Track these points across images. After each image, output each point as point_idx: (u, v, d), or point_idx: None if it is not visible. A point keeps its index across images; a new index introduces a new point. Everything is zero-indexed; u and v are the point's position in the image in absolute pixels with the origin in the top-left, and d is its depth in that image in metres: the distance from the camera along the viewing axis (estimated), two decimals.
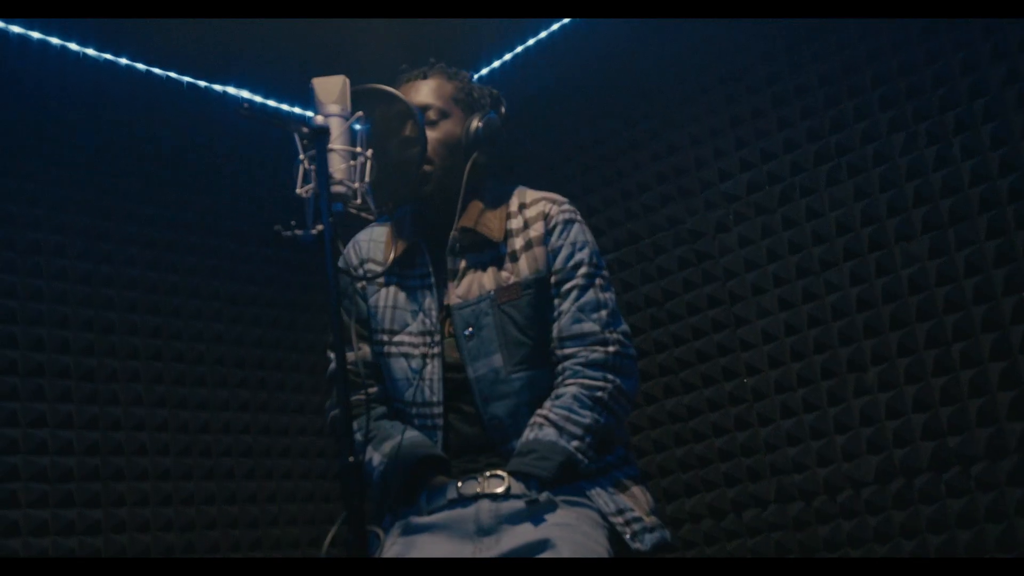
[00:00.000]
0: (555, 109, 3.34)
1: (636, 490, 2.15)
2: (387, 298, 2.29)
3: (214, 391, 3.16)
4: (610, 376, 2.16)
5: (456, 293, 2.22)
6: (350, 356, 2.26)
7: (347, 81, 1.94)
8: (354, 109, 1.94)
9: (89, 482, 2.78)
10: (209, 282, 3.27)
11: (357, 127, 1.93)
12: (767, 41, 2.86)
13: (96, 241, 3.02)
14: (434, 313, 2.22)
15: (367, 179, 1.91)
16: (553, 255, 2.23)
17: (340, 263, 2.33)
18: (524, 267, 2.21)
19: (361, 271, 2.34)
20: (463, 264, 2.24)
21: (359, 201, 1.90)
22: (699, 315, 2.88)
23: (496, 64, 3.58)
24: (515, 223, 2.27)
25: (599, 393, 2.14)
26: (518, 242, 2.24)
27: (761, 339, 2.74)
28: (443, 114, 2.26)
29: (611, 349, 2.18)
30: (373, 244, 2.36)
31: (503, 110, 2.33)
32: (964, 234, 2.40)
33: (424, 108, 2.23)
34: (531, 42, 3.47)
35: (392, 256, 2.27)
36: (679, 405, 2.90)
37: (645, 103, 3.13)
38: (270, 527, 3.14)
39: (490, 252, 2.24)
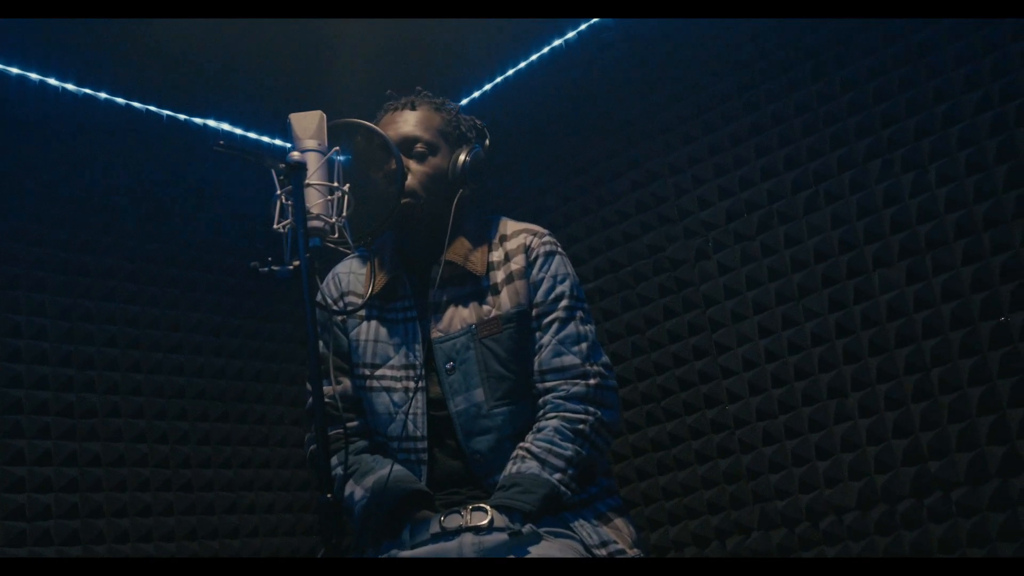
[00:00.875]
0: (535, 138, 3.35)
1: (619, 522, 2.15)
2: (368, 332, 2.28)
3: (195, 424, 3.14)
4: (591, 408, 2.16)
5: (438, 327, 2.21)
6: (328, 390, 2.25)
7: (324, 116, 1.95)
8: (331, 143, 1.95)
9: (68, 519, 2.75)
10: (190, 315, 3.26)
11: (335, 161, 1.93)
12: (744, 70, 2.88)
13: (75, 275, 3.01)
14: (417, 347, 2.21)
15: (344, 213, 1.92)
16: (534, 288, 2.23)
17: (319, 297, 2.33)
18: (505, 301, 2.21)
19: (341, 304, 2.33)
20: (444, 297, 2.23)
21: (336, 235, 1.91)
22: (680, 343, 2.89)
23: (476, 94, 3.60)
24: (496, 256, 2.27)
25: (580, 426, 2.14)
26: (499, 275, 2.24)
27: (742, 366, 2.75)
28: (431, 147, 2.25)
29: (592, 382, 2.18)
30: (353, 276, 2.35)
31: (487, 143, 2.34)
32: (941, 260, 2.42)
33: (412, 140, 2.23)
34: (510, 72, 3.49)
35: (373, 289, 2.26)
36: (661, 432, 2.90)
37: (624, 132, 3.15)
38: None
39: (471, 285, 2.24)
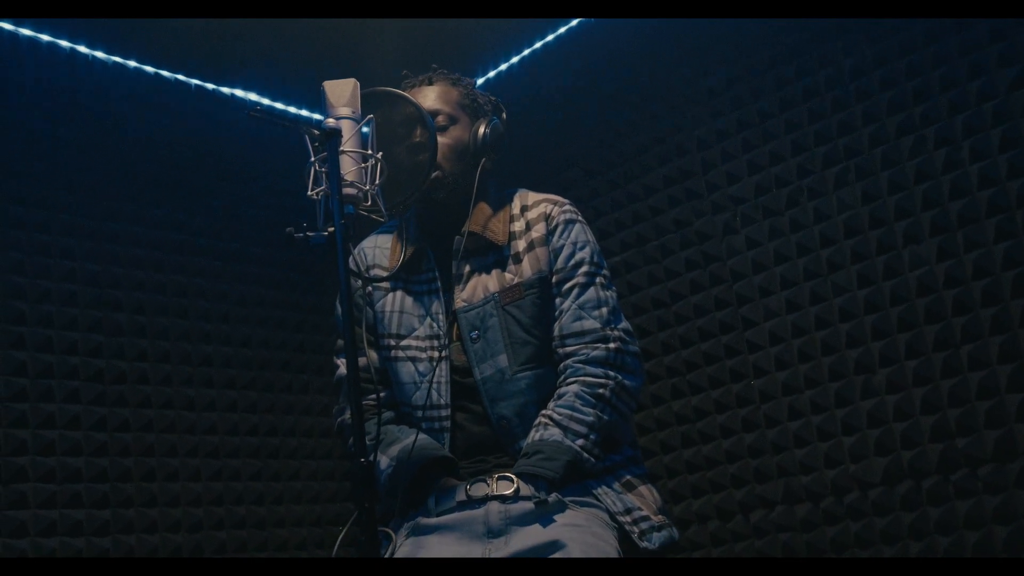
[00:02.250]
0: (562, 113, 3.34)
1: (643, 489, 2.16)
2: (393, 303, 2.31)
3: (222, 392, 3.16)
4: (611, 372, 2.17)
5: (461, 296, 2.25)
6: (362, 360, 2.29)
7: (357, 84, 1.96)
8: (364, 112, 1.95)
9: (98, 483, 2.79)
10: (216, 284, 3.28)
11: (367, 130, 1.94)
12: (774, 44, 2.86)
13: (104, 243, 3.03)
14: (441, 317, 2.24)
15: (377, 181, 1.93)
16: (555, 255, 2.26)
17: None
18: (527, 268, 2.24)
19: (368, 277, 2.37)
20: (467, 268, 2.27)
21: (369, 203, 1.92)
22: (706, 317, 2.89)
23: (503, 67, 3.59)
24: (517, 226, 2.31)
25: (600, 390, 2.15)
26: (521, 244, 2.27)
27: (768, 341, 2.75)
28: (451, 119, 2.29)
29: (612, 346, 2.20)
30: (378, 251, 2.39)
31: (504, 116, 2.37)
32: (972, 237, 2.40)
33: (433, 114, 2.25)
34: (538, 45, 3.48)
35: (401, 261, 2.29)
36: (686, 407, 2.90)
37: (651, 106, 3.13)
38: (277, 528, 3.14)
39: (493, 255, 2.27)
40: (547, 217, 2.30)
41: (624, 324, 2.25)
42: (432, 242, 2.32)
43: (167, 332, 3.09)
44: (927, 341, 2.45)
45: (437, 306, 2.26)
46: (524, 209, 2.34)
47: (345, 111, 1.92)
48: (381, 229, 2.43)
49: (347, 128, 1.89)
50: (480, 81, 3.64)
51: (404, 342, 2.28)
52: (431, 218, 2.34)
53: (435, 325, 2.25)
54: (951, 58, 2.50)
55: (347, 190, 1.84)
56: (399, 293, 2.32)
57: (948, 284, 2.43)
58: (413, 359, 2.26)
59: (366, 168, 1.91)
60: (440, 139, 2.24)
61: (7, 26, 2.95)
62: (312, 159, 1.89)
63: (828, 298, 2.64)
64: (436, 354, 2.23)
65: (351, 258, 2.38)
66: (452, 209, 2.29)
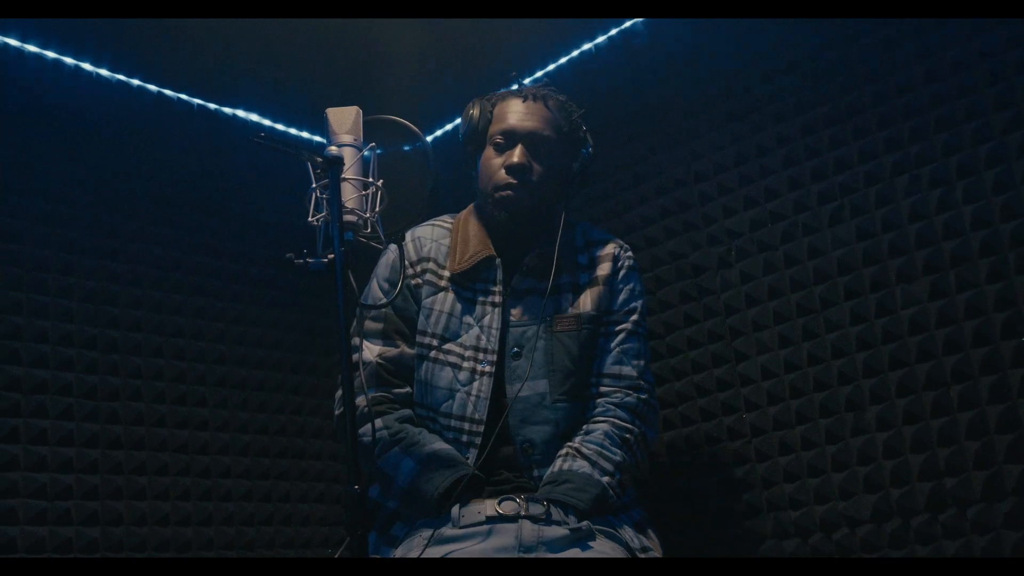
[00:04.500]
0: None
1: (651, 532, 2.20)
2: (444, 303, 2.29)
3: (214, 411, 3.17)
4: (638, 422, 2.22)
5: (512, 312, 2.26)
6: (386, 352, 2.26)
7: (360, 112, 1.99)
8: (366, 139, 1.98)
9: (88, 500, 2.78)
10: (213, 303, 3.29)
11: (371, 156, 1.96)
12: (773, 80, 2.89)
13: (102, 259, 3.04)
14: (494, 332, 2.23)
15: (378, 208, 1.95)
16: (614, 296, 2.31)
17: (396, 255, 2.36)
18: (587, 302, 2.28)
19: (418, 268, 2.36)
20: (526, 286, 2.28)
21: (369, 230, 1.94)
22: (699, 349, 2.90)
23: None
24: (583, 258, 2.36)
25: (627, 435, 2.19)
26: (584, 277, 2.31)
27: (760, 375, 2.76)
28: (552, 147, 2.33)
29: (643, 396, 2.25)
30: (436, 245, 2.38)
31: (591, 147, 2.41)
32: (965, 277, 2.42)
33: (537, 137, 2.29)
34: (539, 75, 3.51)
35: (468, 264, 2.29)
36: (678, 438, 2.91)
37: (650, 138, 3.16)
38: (264, 550, 3.14)
39: (554, 280, 2.29)
40: (615, 259, 2.37)
41: (653, 380, 2.32)
42: (499, 251, 2.33)
43: (162, 350, 3.10)
44: (918, 379, 2.47)
45: (491, 319, 2.25)
46: (589, 244, 2.40)
47: (347, 138, 1.95)
48: (435, 220, 2.44)
49: (348, 155, 1.92)
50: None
51: (447, 345, 2.26)
52: (501, 229, 2.35)
53: (484, 338, 2.24)
54: (949, 99, 2.53)
55: (347, 217, 1.87)
56: (451, 295, 2.30)
57: (940, 323, 2.45)
58: (454, 365, 2.24)
59: (367, 195, 1.93)
60: (537, 166, 2.29)
61: (12, 42, 2.98)
62: (313, 185, 1.91)
63: (820, 334, 2.66)
64: (480, 367, 2.22)
65: (404, 244, 2.39)
66: (526, 226, 2.31)
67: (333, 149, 1.90)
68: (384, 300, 2.26)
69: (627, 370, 2.27)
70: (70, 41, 3.05)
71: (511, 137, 2.30)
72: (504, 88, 2.42)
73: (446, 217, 2.45)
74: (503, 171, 2.28)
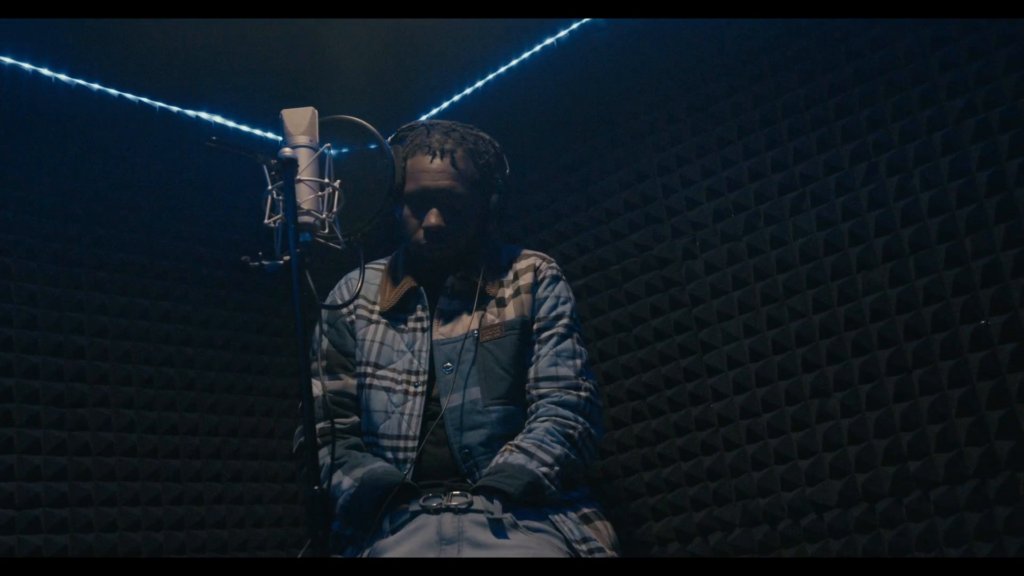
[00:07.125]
0: (525, 136, 3.37)
1: (599, 524, 2.21)
2: (376, 333, 2.40)
3: (184, 415, 3.15)
4: (580, 418, 2.25)
5: (441, 331, 2.33)
6: (331, 385, 2.33)
7: (315, 112, 1.99)
8: (323, 140, 1.98)
9: (56, 508, 2.77)
10: (179, 306, 3.28)
11: (327, 157, 1.96)
12: (732, 72, 2.91)
13: (66, 266, 3.02)
14: (424, 354, 2.32)
15: (335, 209, 1.95)
16: (539, 304, 2.39)
17: (330, 297, 2.53)
18: (511, 311, 2.35)
19: (351, 306, 2.46)
20: (452, 307, 2.38)
21: (326, 231, 1.94)
22: (666, 340, 2.92)
23: (468, 91, 3.62)
24: (507, 276, 2.45)
25: (570, 431, 2.21)
26: (508, 291, 2.41)
27: (727, 364, 2.78)
28: (465, 202, 2.40)
29: (583, 394, 2.28)
30: (367, 285, 2.51)
31: (507, 171, 2.48)
32: (924, 263, 2.45)
33: (445, 194, 2.36)
34: (502, 70, 3.51)
35: (394, 300, 2.41)
36: (646, 429, 2.93)
37: (614, 132, 3.17)
38: (238, 551, 3.13)
39: (479, 299, 2.40)
40: (536, 269, 2.46)
41: (593, 380, 2.37)
42: (423, 281, 2.41)
43: (129, 355, 3.08)
44: (880, 366, 2.49)
45: (422, 343, 2.36)
46: (513, 261, 2.49)
47: (303, 139, 1.95)
48: (369, 264, 2.55)
49: (304, 156, 1.92)
50: (445, 105, 3.67)
51: (381, 372, 2.35)
52: (428, 263, 2.43)
53: (415, 361, 2.33)
54: (904, 87, 2.55)
55: (303, 218, 1.87)
56: (382, 326, 2.42)
57: (900, 309, 2.47)
58: (387, 389, 2.33)
59: (323, 196, 1.93)
60: (450, 222, 2.36)
61: None
62: (269, 187, 1.91)
63: (784, 323, 2.68)
64: (412, 388, 2.29)
65: (338, 287, 2.53)
66: (451, 261, 2.42)
67: (287, 151, 1.89)
68: (325, 339, 2.40)
69: (563, 370, 2.33)
70: (26, 45, 3.02)
71: (424, 198, 2.37)
72: (416, 119, 2.51)
73: (381, 260, 2.58)
74: (421, 232, 2.36)
